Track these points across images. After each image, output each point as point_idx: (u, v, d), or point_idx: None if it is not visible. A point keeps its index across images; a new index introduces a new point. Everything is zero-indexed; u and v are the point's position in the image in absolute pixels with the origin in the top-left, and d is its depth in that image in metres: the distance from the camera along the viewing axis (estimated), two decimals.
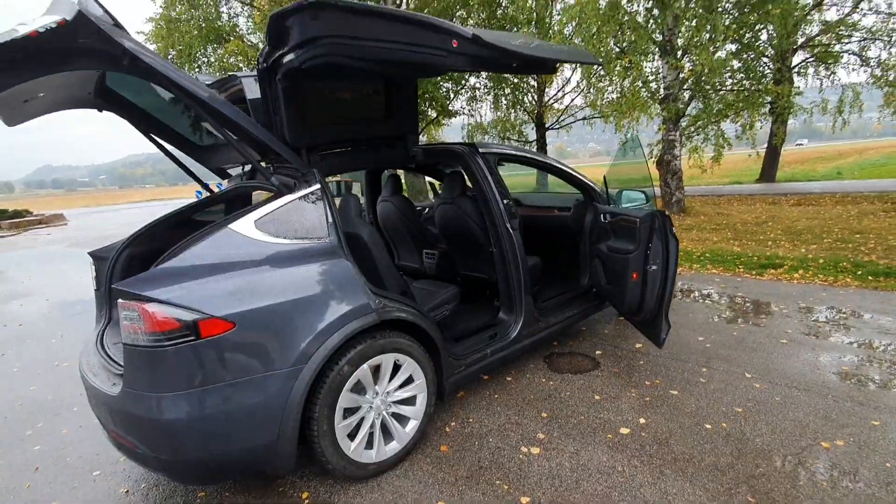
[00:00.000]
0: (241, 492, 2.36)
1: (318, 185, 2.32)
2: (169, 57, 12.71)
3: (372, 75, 2.73)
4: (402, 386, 2.46)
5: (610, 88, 10.96)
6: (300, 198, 2.26)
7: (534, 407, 2.94)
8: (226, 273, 1.97)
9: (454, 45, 2.02)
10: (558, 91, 18.42)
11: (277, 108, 2.43)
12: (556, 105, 18.75)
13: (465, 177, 3.35)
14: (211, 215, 3.02)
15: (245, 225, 2.10)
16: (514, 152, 3.51)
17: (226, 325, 1.87)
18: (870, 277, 5.05)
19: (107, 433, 2.22)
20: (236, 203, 3.37)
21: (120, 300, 1.85)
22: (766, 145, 16.97)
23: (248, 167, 3.14)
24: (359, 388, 2.28)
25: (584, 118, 18.47)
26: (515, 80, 16.72)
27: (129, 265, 2.89)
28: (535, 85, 17.85)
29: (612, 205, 3.65)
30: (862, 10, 13.82)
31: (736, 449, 2.41)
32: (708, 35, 8.75)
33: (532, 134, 19.34)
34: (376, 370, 2.35)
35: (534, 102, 18.29)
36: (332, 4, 1.91)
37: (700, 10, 8.71)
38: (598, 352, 3.68)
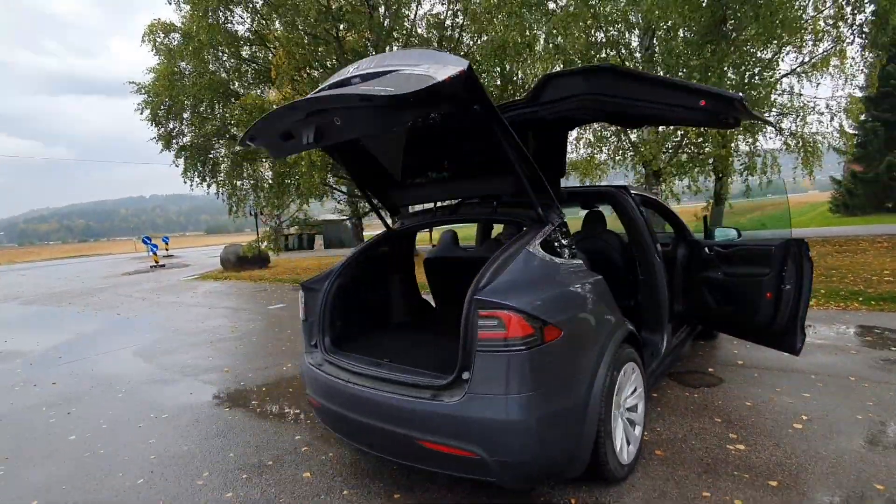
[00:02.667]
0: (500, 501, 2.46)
1: (563, 217, 2.68)
2: (162, 108, 12.52)
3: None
4: (631, 393, 2.74)
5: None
6: (558, 226, 2.59)
7: (702, 415, 3.28)
8: (543, 287, 2.23)
9: (702, 104, 2.52)
10: None
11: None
12: None
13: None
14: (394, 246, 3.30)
15: (536, 247, 2.39)
16: (645, 194, 4.04)
17: (558, 331, 2.11)
18: (872, 302, 6.02)
19: (383, 451, 2.37)
20: (406, 239, 3.60)
21: (481, 310, 2.04)
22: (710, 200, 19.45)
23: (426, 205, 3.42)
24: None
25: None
26: None
27: (338, 294, 3.01)
28: None
29: (709, 239, 4.24)
30: (777, 90, 16.79)
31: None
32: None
33: None
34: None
35: None
36: (608, 69, 2.38)
37: None
38: (710, 369, 4.13)
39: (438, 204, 3.36)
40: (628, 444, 2.62)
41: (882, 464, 2.57)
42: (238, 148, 12.74)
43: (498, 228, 4.83)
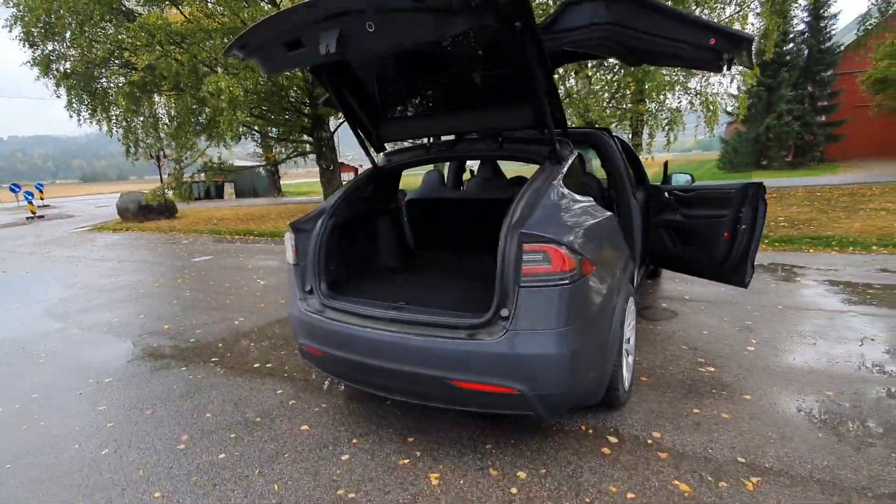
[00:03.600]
0: (535, 439, 2.52)
1: (576, 153, 2.63)
2: (38, 26, 10.23)
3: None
4: (629, 325, 2.89)
5: None
6: (574, 160, 2.55)
7: (669, 344, 3.59)
8: (575, 222, 2.20)
9: (712, 43, 2.54)
10: None
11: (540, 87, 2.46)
12: None
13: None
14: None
15: (561, 184, 2.34)
16: (621, 138, 4.10)
17: (591, 265, 2.12)
18: (775, 244, 6.90)
19: (407, 392, 2.32)
20: (389, 178, 3.37)
21: (526, 243, 1.96)
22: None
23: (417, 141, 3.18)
24: None
25: None
26: None
27: (332, 235, 2.78)
28: None
29: (668, 184, 4.50)
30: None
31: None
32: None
33: None
34: None
35: None
36: None
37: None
38: (663, 304, 4.52)
39: (426, 141, 3.15)
40: (627, 371, 2.80)
41: (825, 375, 3.01)
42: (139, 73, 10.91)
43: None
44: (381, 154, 3.25)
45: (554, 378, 2.05)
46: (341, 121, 16.07)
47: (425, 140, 3.09)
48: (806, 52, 22.14)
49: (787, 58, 21.64)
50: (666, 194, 4.19)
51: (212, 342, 4.21)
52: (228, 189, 30.31)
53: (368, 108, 2.95)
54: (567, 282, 1.98)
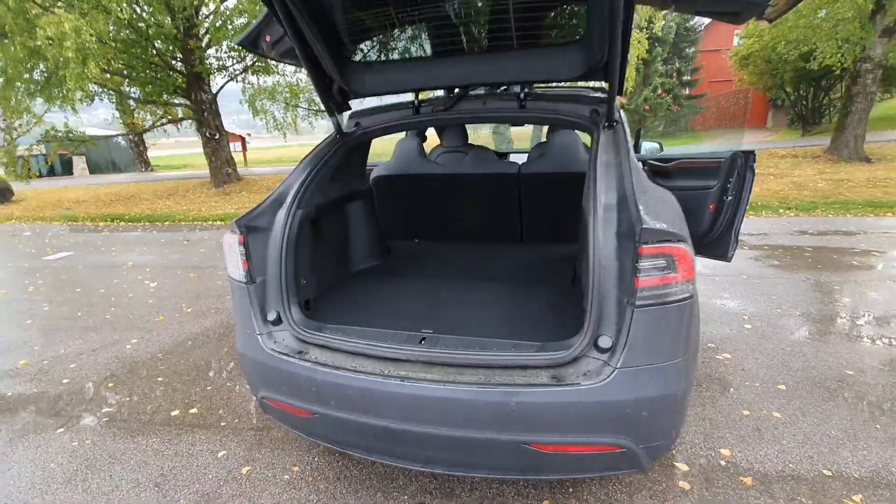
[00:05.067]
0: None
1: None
2: None
3: None
4: None
5: None
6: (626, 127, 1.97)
7: None
8: (667, 210, 1.64)
9: None
10: None
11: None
12: None
13: None
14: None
15: (636, 159, 1.76)
16: None
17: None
18: None
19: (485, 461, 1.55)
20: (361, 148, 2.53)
21: (646, 244, 1.34)
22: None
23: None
24: None
25: None
26: None
27: (302, 233, 1.95)
28: None
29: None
30: None
31: None
32: None
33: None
34: None
35: None
36: None
37: None
38: None
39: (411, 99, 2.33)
40: None
41: (830, 349, 2.91)
42: None
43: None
44: (347, 115, 2.37)
45: (667, 424, 1.52)
46: (226, 80, 13.88)
47: (412, 97, 2.28)
48: (674, 28, 24.09)
49: (660, 34, 23.39)
50: (642, 164, 3.86)
51: (96, 381, 3.03)
52: (80, 164, 25.31)
53: (331, 44, 2.04)
54: (690, 295, 1.42)
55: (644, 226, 1.34)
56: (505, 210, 2.79)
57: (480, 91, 2.24)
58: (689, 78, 25.41)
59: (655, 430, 1.50)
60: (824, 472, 1.98)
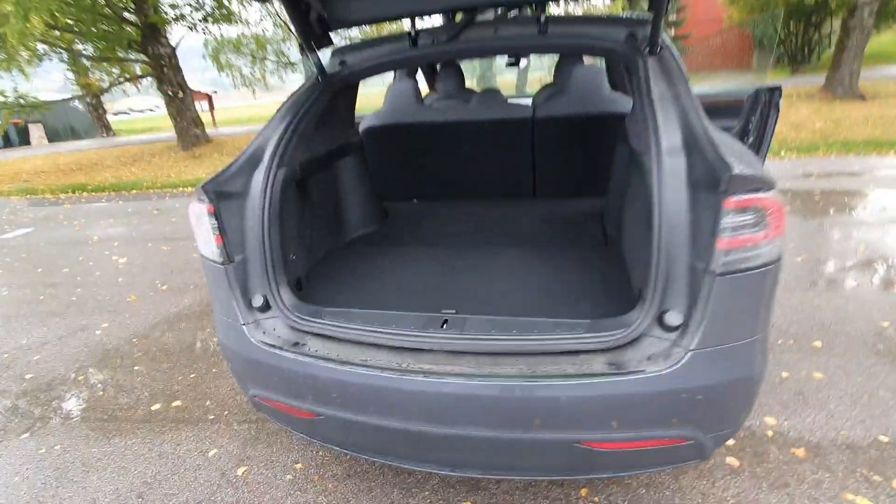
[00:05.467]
0: None
1: None
2: None
3: None
4: None
5: None
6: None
7: None
8: (748, 155, 1.36)
9: None
10: None
11: None
12: None
13: None
14: None
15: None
16: None
17: None
18: None
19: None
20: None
21: (734, 195, 1.05)
22: None
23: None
24: None
25: None
26: None
27: (286, 198, 1.62)
28: None
29: None
30: None
31: None
32: None
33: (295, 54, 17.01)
34: None
35: None
36: None
37: None
38: None
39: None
40: None
41: (861, 300, 2.74)
42: None
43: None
44: (330, 52, 1.97)
45: (739, 410, 1.29)
46: (185, 30, 12.75)
47: (406, 26, 1.87)
48: None
49: None
50: None
51: (64, 375, 2.71)
52: (37, 132, 23.73)
53: None
54: (779, 256, 1.15)
55: (734, 172, 1.04)
56: (516, 161, 2.46)
57: (489, 17, 1.86)
58: (674, 18, 24.53)
59: (727, 417, 1.27)
60: (881, 438, 1.81)
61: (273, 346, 1.41)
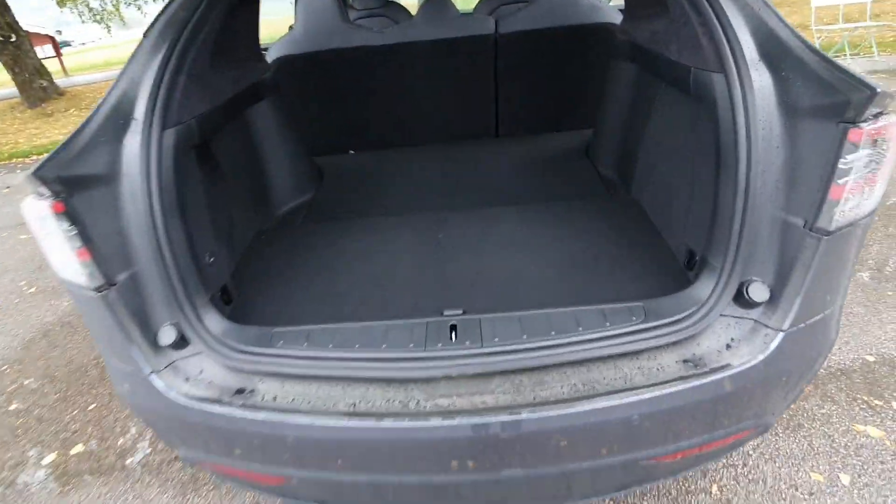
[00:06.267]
0: None
1: None
2: None
3: None
4: None
5: None
6: None
7: None
8: None
9: None
10: None
11: None
12: None
13: None
14: None
15: None
16: None
17: None
18: None
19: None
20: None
21: (863, 126, 0.75)
22: None
23: None
24: None
25: None
26: None
27: (181, 172, 1.12)
28: None
29: None
30: None
31: None
32: None
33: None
34: None
35: None
36: None
37: None
38: None
39: None
40: None
41: None
42: None
43: None
44: None
45: (800, 388, 1.10)
46: None
47: None
48: None
49: None
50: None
51: None
52: None
53: None
54: (879, 202, 0.91)
55: (879, 89, 0.73)
56: (477, 92, 2.02)
57: None
58: None
59: (797, 391, 1.08)
60: (867, 358, 1.81)
61: (204, 399, 0.97)
